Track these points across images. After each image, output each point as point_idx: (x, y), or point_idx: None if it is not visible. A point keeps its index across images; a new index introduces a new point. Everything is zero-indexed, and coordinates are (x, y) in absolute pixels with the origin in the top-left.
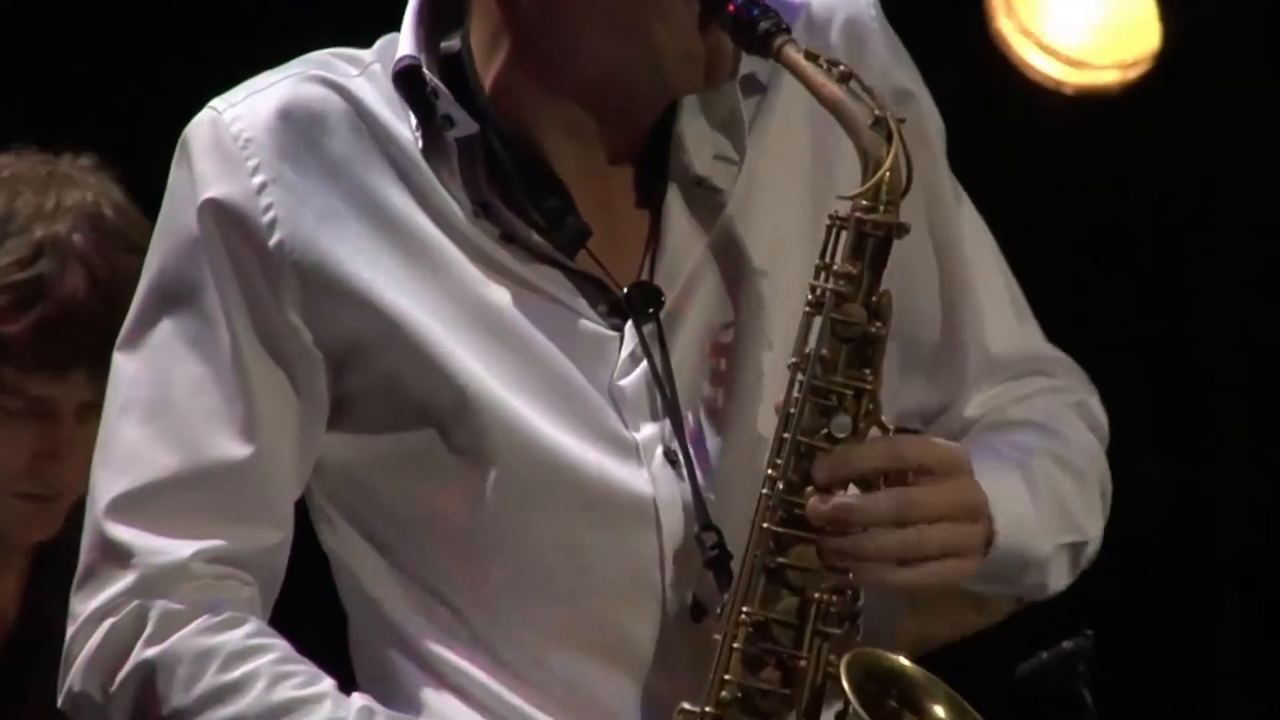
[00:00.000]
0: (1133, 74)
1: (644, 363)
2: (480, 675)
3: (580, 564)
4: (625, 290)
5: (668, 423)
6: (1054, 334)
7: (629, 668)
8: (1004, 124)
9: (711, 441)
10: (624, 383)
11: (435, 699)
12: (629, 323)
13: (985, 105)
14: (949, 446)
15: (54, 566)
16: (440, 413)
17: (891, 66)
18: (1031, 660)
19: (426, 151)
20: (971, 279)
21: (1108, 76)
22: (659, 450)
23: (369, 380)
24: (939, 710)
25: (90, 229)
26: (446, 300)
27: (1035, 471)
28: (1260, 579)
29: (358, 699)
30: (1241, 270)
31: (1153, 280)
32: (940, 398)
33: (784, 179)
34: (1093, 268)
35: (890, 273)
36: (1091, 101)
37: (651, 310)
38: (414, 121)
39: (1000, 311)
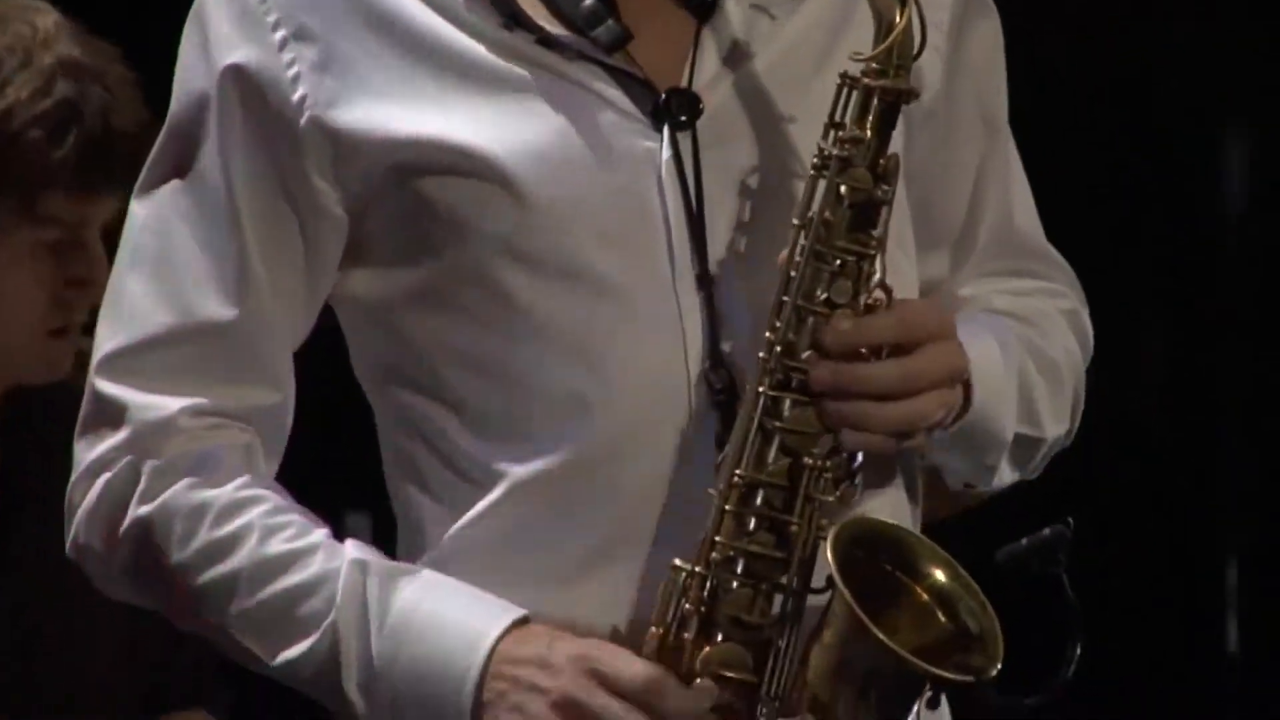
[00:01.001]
0: None
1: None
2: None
3: (603, 367)
4: (664, 94)
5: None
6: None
7: (653, 459)
8: None
9: (728, 281)
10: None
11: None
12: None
13: None
14: (942, 311)
15: (24, 427)
16: (478, 218)
17: None
18: (1010, 546)
19: None
20: (1010, 155)
21: None
22: (695, 270)
23: (402, 212)
24: (933, 572)
25: (81, 46)
26: (485, 105)
27: (1010, 349)
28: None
29: (350, 549)
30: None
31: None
32: (951, 271)
33: (818, 39)
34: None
35: (936, 139)
36: None
37: (686, 119)
38: None
39: (1024, 197)
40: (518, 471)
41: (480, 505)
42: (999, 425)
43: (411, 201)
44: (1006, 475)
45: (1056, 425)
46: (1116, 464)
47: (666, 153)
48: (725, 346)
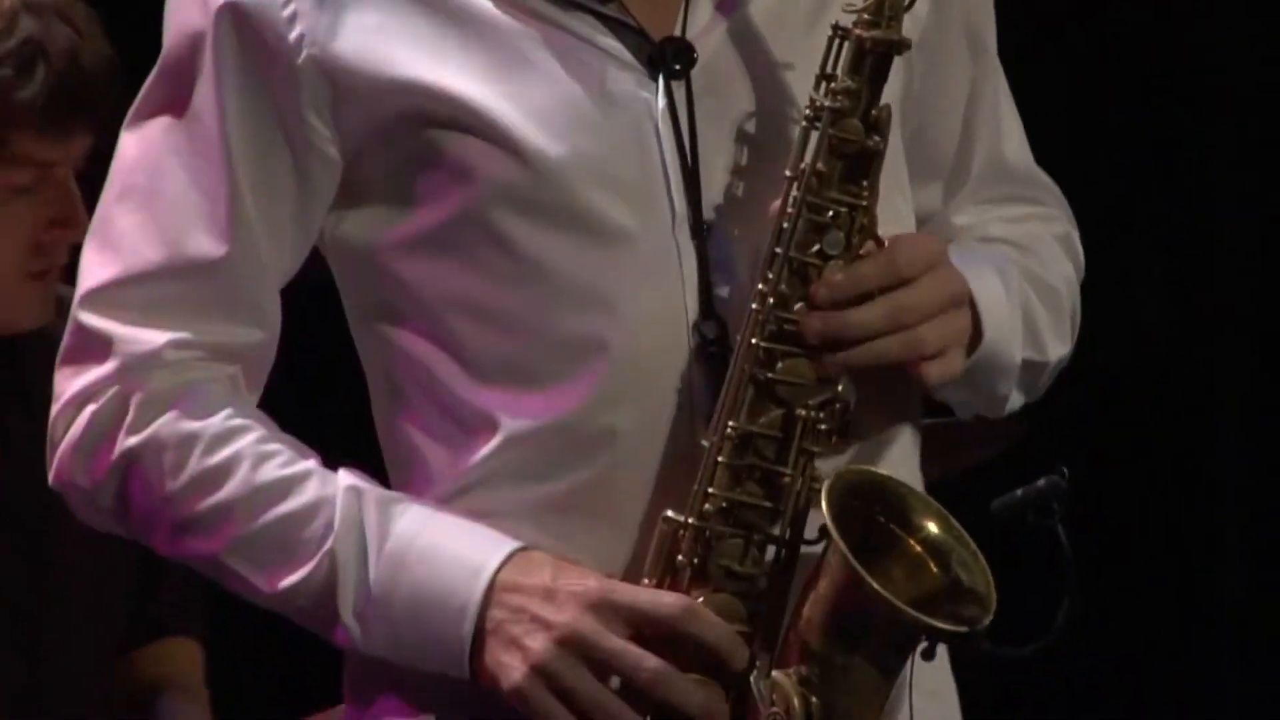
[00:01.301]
0: None
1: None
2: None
3: (606, 312)
4: (658, 43)
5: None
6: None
7: (653, 405)
8: None
9: (723, 229)
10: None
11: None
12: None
13: None
14: (932, 242)
15: (9, 378)
16: (479, 170)
17: None
18: (1005, 496)
19: None
20: (1000, 83)
21: None
22: (688, 221)
23: (400, 159)
24: (926, 523)
25: None
26: (481, 55)
27: (1011, 279)
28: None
29: (344, 476)
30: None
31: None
32: (945, 202)
33: None
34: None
35: (926, 67)
36: None
37: (680, 68)
38: None
39: (1014, 124)
40: (516, 417)
41: (476, 449)
42: (1008, 354)
43: (410, 150)
44: (1016, 401)
45: (1059, 347)
46: (1113, 414)
47: (662, 101)
48: (721, 295)
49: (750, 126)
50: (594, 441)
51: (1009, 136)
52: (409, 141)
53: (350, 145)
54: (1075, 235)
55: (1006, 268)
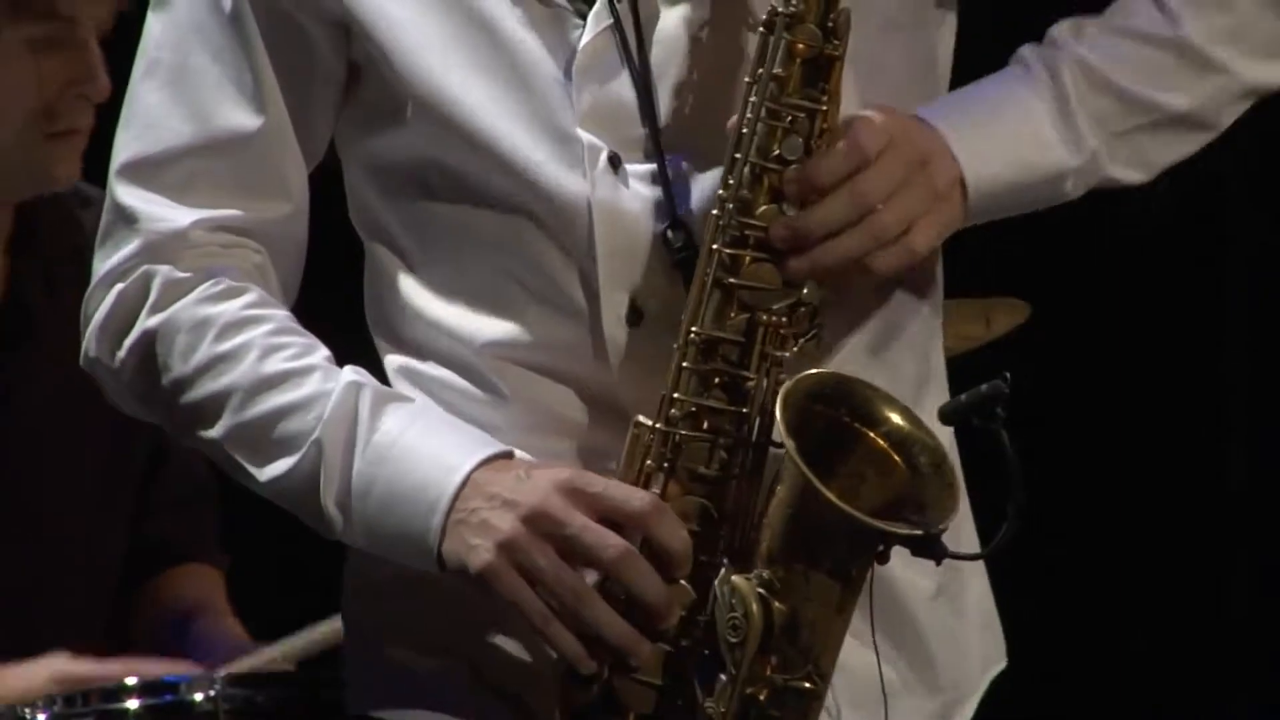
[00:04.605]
0: None
1: (611, 50)
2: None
3: (518, 265)
4: None
5: (628, 119)
6: None
7: (569, 372)
8: None
9: (676, 145)
10: (584, 70)
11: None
12: (594, 6)
13: None
14: (888, 113)
15: (29, 249)
16: (395, 103)
17: None
18: (950, 401)
19: None
20: None
21: None
22: (604, 153)
23: (368, 89)
24: (892, 418)
25: None
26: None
27: (1062, 77)
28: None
29: (348, 372)
30: None
31: None
32: None
33: None
34: None
35: None
36: None
37: None
38: None
39: None
40: (489, 330)
41: (452, 360)
42: (1035, 164)
43: (374, 88)
44: (1162, 154)
45: (1185, 92)
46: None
47: (591, 31)
48: (687, 205)
49: (705, 35)
50: (570, 358)
51: None
52: (371, 80)
53: (337, 26)
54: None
55: (1057, 57)
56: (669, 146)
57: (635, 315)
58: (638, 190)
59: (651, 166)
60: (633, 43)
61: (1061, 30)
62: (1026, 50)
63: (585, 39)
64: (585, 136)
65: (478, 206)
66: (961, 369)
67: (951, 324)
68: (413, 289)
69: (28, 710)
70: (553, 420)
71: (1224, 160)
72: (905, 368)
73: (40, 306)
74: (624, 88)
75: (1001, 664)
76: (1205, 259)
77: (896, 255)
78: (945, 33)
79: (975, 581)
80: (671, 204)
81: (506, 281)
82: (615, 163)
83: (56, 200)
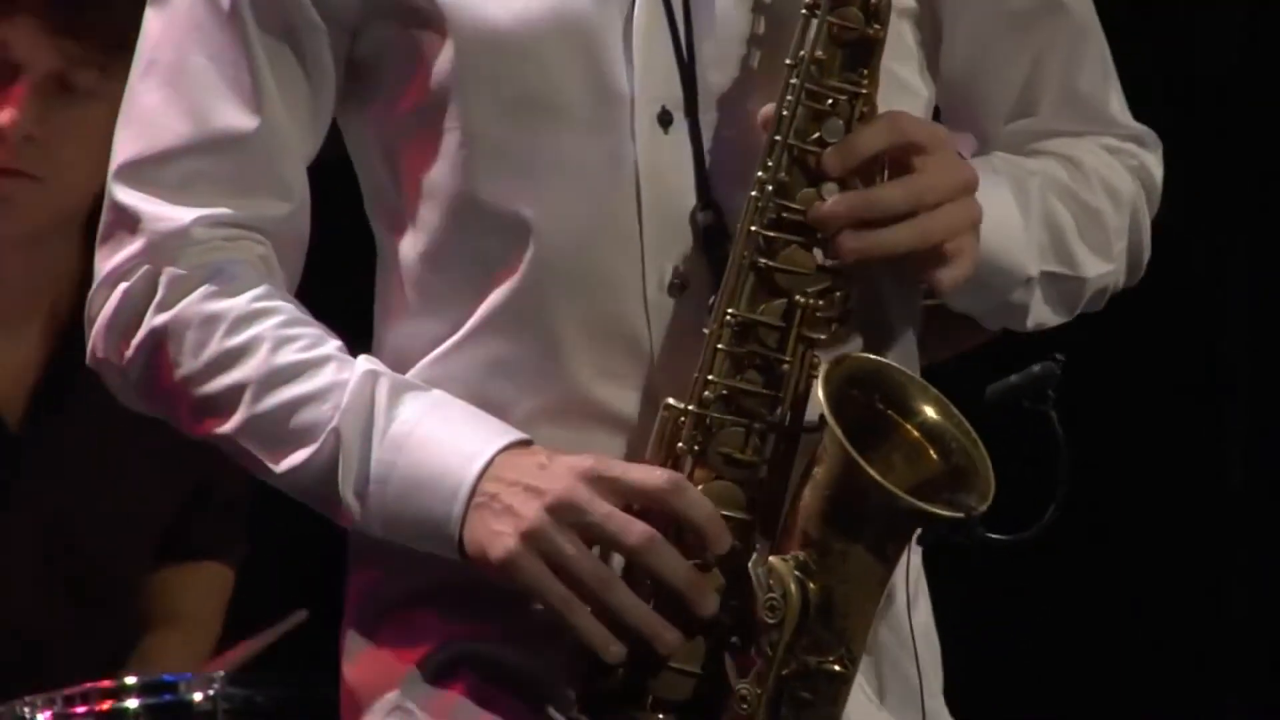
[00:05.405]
0: None
1: (661, 14)
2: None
3: (560, 224)
4: None
5: (677, 78)
6: None
7: (607, 344)
8: None
9: (730, 114)
10: (640, 25)
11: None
12: None
13: None
14: (933, 123)
15: (75, 333)
16: (443, 63)
17: None
18: (1000, 382)
19: None
20: (1082, 23)
21: None
22: (655, 110)
23: (370, 51)
24: (925, 409)
25: None
26: None
27: (1030, 193)
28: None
29: (363, 361)
30: None
31: None
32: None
33: None
34: None
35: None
36: None
37: None
38: None
39: (1098, 62)
40: (503, 302)
41: (454, 337)
42: (1011, 260)
43: (377, 42)
44: (1047, 315)
45: (1099, 264)
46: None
47: None
48: (716, 183)
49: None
50: (588, 329)
51: (1084, 76)
52: (375, 36)
53: (337, 21)
54: (1154, 169)
55: (1026, 182)
56: (705, 112)
57: (677, 287)
58: (686, 153)
59: (697, 131)
60: (678, 10)
61: (1013, 157)
62: (992, 158)
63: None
64: (640, 90)
65: (518, 176)
66: (959, 368)
67: (945, 325)
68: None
69: (27, 710)
70: (577, 400)
71: (1224, 161)
72: None
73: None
74: (669, 51)
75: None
76: (1205, 259)
77: (951, 270)
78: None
79: (920, 601)
80: (704, 181)
81: (550, 232)
82: (665, 121)
83: None
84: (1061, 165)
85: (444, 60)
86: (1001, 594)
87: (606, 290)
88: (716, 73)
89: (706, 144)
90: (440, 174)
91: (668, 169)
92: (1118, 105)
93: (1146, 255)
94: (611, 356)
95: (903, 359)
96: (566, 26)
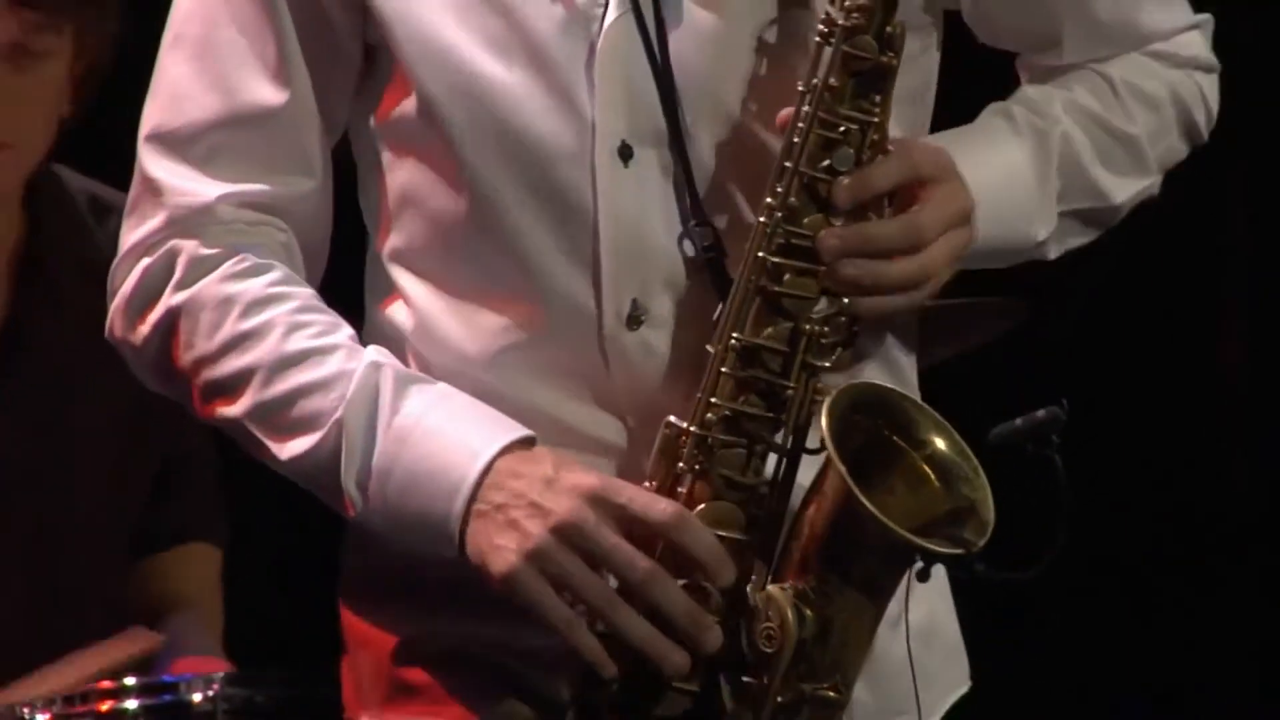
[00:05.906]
0: None
1: (634, 38)
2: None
3: (529, 263)
4: None
5: (646, 110)
6: None
7: (571, 379)
8: None
9: (703, 140)
10: (604, 55)
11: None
12: None
13: None
14: (939, 149)
15: (36, 269)
16: (405, 86)
17: None
18: (1004, 425)
19: None
20: None
21: None
22: (615, 144)
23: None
24: (931, 437)
25: None
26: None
27: (1051, 148)
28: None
29: (371, 352)
30: None
31: None
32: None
33: None
34: None
35: None
36: None
37: None
38: None
39: None
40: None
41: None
42: (1016, 236)
43: (385, 70)
44: (1074, 244)
45: (1130, 184)
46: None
47: (614, 13)
48: (707, 206)
49: (731, 31)
50: (592, 351)
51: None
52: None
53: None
54: (1206, 84)
55: (1049, 131)
56: (688, 141)
57: (637, 317)
58: (649, 184)
59: (667, 160)
60: (653, 31)
61: (1040, 96)
62: (1015, 109)
63: (608, 20)
64: (600, 123)
65: (486, 196)
66: (957, 370)
67: (947, 325)
68: (411, 283)
69: (27, 710)
70: (547, 421)
71: (1224, 160)
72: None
73: (45, 329)
74: (645, 78)
75: (964, 687)
76: (1205, 258)
77: (930, 290)
78: (932, 61)
79: (940, 606)
80: (696, 200)
81: (504, 277)
82: (626, 154)
83: (67, 210)
84: (1091, 91)
85: (411, 85)
86: (1002, 629)
87: (563, 332)
88: (685, 106)
89: (674, 178)
90: (414, 186)
91: (628, 203)
92: (1150, 14)
93: (1207, 125)
94: (571, 381)
95: (901, 381)
96: (531, 58)
